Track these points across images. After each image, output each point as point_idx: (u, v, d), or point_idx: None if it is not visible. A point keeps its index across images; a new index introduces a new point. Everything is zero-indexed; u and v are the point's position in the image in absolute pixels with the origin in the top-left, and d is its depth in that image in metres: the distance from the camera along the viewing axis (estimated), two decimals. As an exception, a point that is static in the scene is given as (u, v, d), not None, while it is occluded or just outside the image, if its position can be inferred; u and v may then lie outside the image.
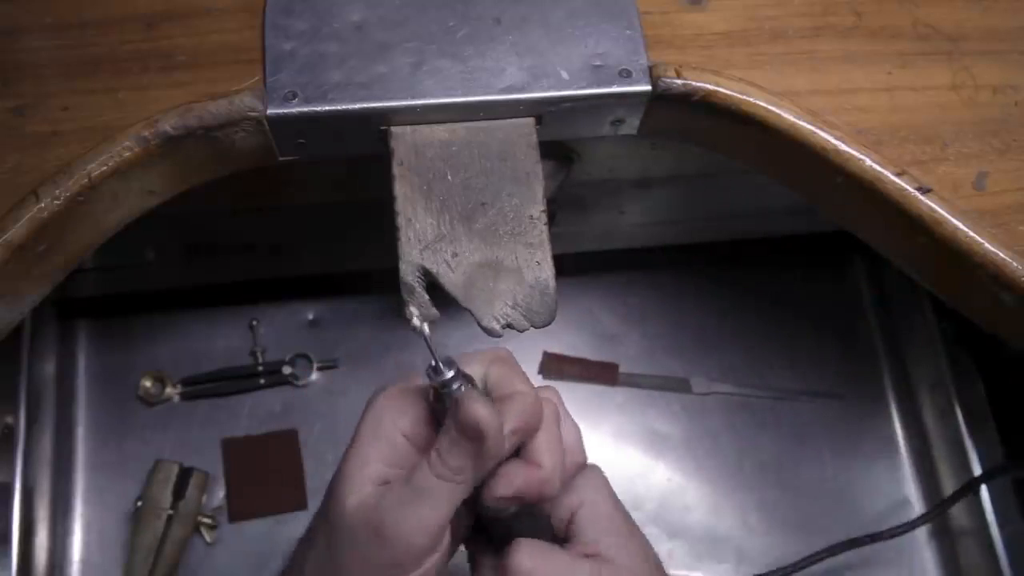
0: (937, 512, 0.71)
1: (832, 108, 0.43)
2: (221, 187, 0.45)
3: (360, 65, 0.41)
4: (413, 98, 0.41)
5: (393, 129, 0.41)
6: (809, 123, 0.42)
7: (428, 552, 0.36)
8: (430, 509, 0.35)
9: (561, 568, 0.38)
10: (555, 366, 0.82)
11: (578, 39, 0.43)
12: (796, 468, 0.78)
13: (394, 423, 0.38)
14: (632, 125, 0.45)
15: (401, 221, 0.40)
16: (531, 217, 0.41)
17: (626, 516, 0.42)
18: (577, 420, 0.44)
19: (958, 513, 0.75)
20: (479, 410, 0.35)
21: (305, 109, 0.40)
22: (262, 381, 0.76)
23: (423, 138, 0.41)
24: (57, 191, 0.38)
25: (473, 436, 0.35)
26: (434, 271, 0.39)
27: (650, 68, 0.42)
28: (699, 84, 0.42)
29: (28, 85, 0.41)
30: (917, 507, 0.79)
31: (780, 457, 0.78)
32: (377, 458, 0.37)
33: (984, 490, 0.73)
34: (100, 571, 0.74)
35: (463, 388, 0.36)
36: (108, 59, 0.41)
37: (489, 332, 0.39)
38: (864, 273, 0.88)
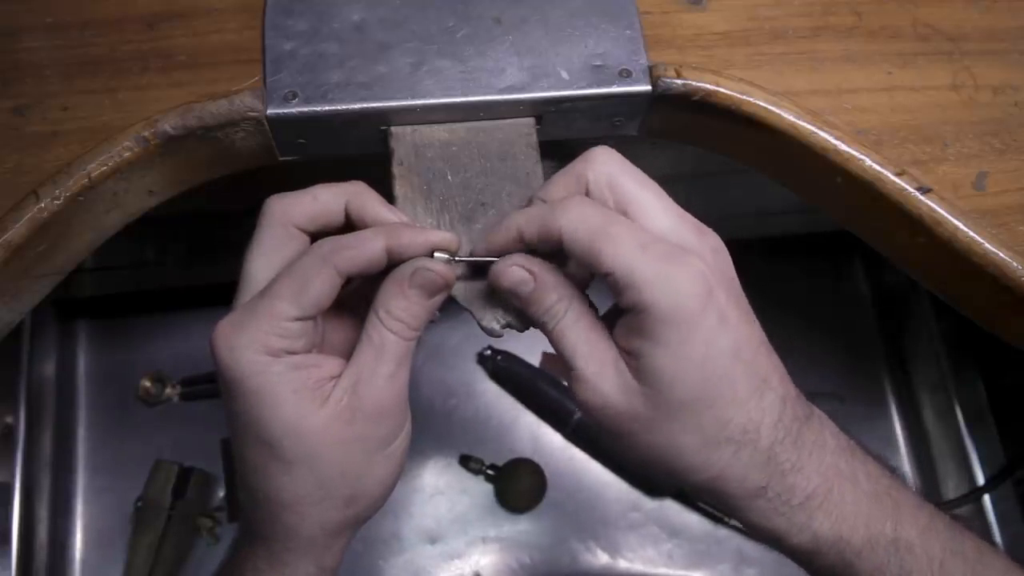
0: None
1: (832, 108, 0.43)
2: (221, 187, 0.45)
3: (360, 65, 0.41)
4: (413, 98, 0.41)
5: (393, 129, 0.42)
6: (809, 123, 0.42)
7: (407, 407, 0.37)
8: (395, 365, 0.35)
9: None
10: (555, 366, 0.82)
11: (578, 39, 0.43)
12: (796, 468, 0.78)
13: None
14: (632, 125, 0.45)
15: (401, 221, 0.40)
16: (531, 217, 0.41)
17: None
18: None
19: (959, 514, 0.75)
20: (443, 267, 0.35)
21: (305, 109, 0.40)
22: (262, 381, 0.76)
23: (423, 138, 0.42)
24: (57, 191, 0.38)
25: (436, 288, 0.36)
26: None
27: (650, 68, 0.42)
28: (699, 84, 0.42)
29: (28, 85, 0.41)
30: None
31: (780, 457, 0.78)
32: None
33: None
34: (100, 571, 0.74)
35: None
36: (108, 59, 0.41)
37: (489, 332, 0.39)
38: (864, 273, 0.88)
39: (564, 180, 0.36)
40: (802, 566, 0.37)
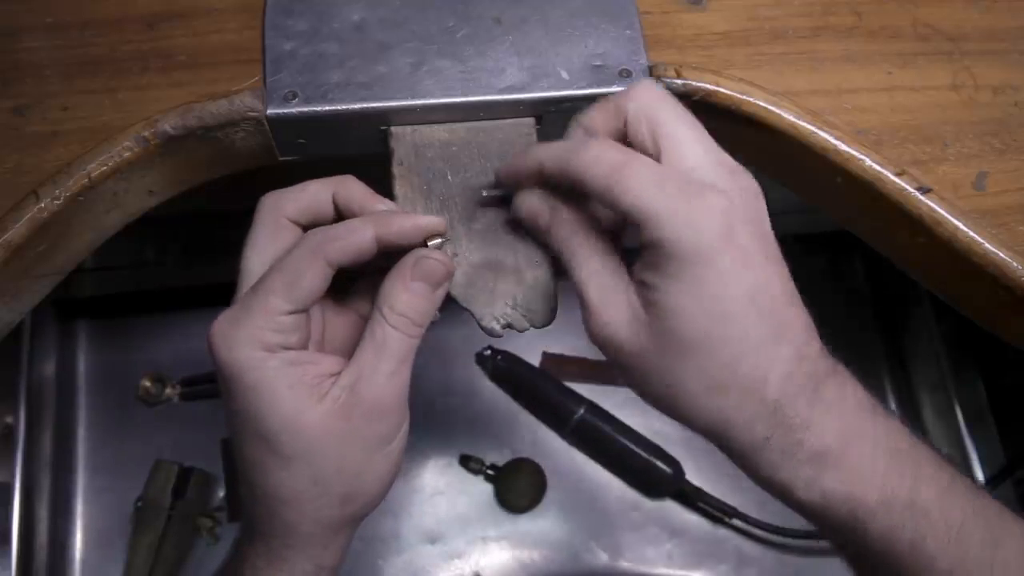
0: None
1: (832, 108, 0.43)
2: (221, 187, 0.45)
3: (360, 65, 0.41)
4: (413, 98, 0.41)
5: (393, 129, 0.42)
6: (809, 123, 0.42)
7: (407, 405, 0.36)
8: (397, 364, 0.35)
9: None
10: (555, 366, 0.82)
11: (578, 39, 0.43)
12: (796, 468, 0.78)
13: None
14: (632, 125, 0.45)
15: (401, 221, 0.40)
16: (531, 217, 0.41)
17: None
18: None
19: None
20: (441, 257, 0.36)
21: (305, 109, 0.40)
22: (262, 381, 0.76)
23: (423, 138, 0.42)
24: (57, 191, 0.38)
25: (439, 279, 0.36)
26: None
27: (650, 68, 0.42)
28: (699, 84, 0.42)
29: (28, 85, 0.41)
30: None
31: (780, 457, 0.78)
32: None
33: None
34: (100, 571, 0.74)
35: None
36: (108, 59, 0.41)
37: (489, 332, 0.39)
38: (864, 273, 0.88)
39: (603, 109, 0.37)
40: (813, 522, 0.36)
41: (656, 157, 0.34)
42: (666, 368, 0.34)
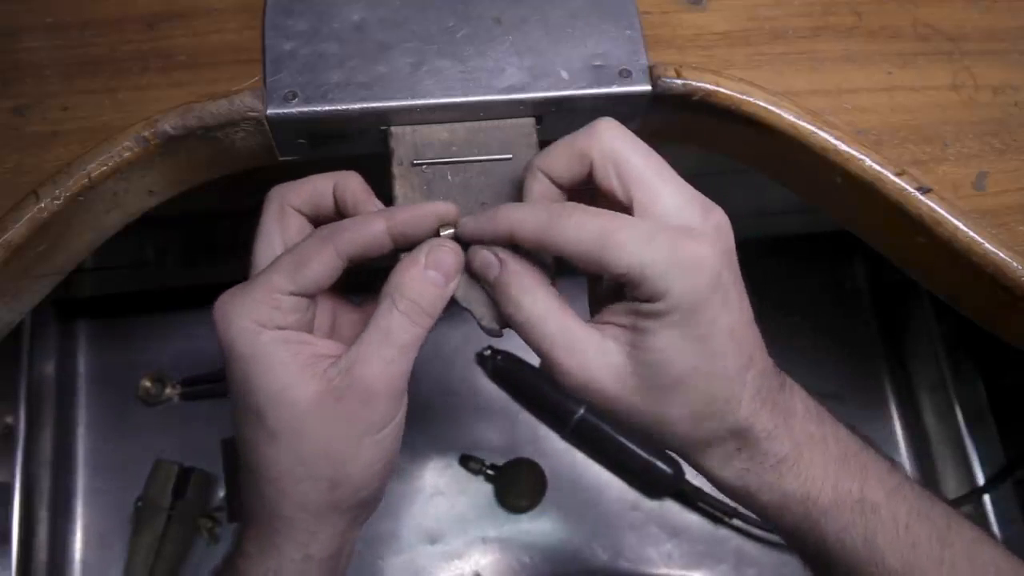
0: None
1: (832, 108, 0.43)
2: (221, 187, 0.45)
3: (360, 65, 0.41)
4: (413, 98, 0.41)
5: (393, 129, 0.42)
6: (809, 123, 0.42)
7: (403, 396, 0.36)
8: (398, 352, 0.35)
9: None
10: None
11: (578, 39, 0.43)
12: (796, 468, 0.78)
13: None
14: (632, 125, 0.44)
15: (401, 221, 0.40)
16: (531, 217, 0.41)
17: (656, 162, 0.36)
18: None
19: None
20: (451, 250, 0.36)
21: (305, 109, 0.40)
22: (262, 381, 0.76)
23: (423, 138, 0.42)
24: (57, 191, 0.38)
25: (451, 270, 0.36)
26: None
27: (650, 68, 0.42)
28: (699, 84, 0.42)
29: (28, 85, 0.41)
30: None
31: (780, 457, 0.78)
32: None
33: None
34: (100, 571, 0.74)
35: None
36: (108, 59, 0.41)
37: (489, 332, 0.39)
38: (864, 273, 0.88)
39: (567, 153, 0.36)
40: (770, 522, 0.38)
41: (627, 203, 0.35)
42: (650, 406, 0.35)
